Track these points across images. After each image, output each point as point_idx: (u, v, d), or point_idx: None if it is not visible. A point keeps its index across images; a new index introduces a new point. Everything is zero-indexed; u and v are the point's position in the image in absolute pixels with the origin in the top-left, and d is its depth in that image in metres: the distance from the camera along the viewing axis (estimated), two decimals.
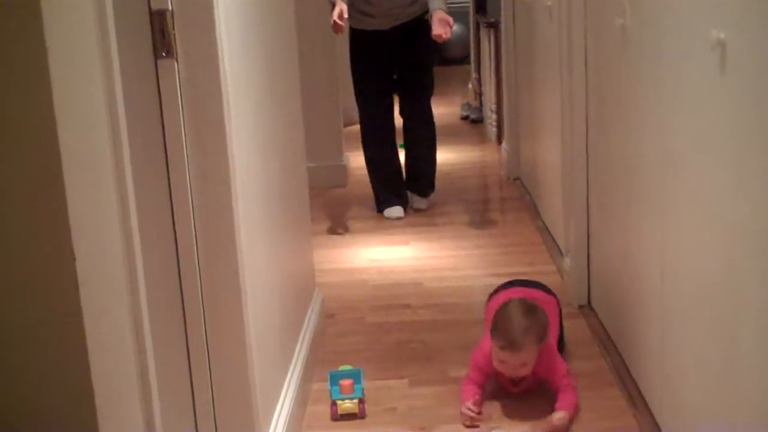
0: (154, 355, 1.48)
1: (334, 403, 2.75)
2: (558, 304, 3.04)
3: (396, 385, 2.98)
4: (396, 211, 4.95)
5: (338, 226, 4.85)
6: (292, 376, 2.71)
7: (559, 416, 2.58)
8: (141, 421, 1.32)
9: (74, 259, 1.16)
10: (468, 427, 2.62)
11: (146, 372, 1.32)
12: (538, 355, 2.66)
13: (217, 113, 1.97)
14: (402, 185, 5.07)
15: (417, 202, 5.07)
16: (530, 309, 2.70)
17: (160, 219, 1.99)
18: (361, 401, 2.75)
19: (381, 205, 5.01)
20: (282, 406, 2.51)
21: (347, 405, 2.73)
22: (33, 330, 1.31)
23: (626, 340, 2.95)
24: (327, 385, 2.82)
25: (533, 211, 4.86)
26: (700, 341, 2.12)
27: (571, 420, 2.60)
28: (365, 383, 2.84)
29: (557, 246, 4.03)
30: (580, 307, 3.52)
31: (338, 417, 2.73)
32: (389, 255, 4.41)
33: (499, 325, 2.65)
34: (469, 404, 2.64)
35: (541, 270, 3.98)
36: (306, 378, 2.85)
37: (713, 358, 2.02)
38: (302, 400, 2.76)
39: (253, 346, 2.14)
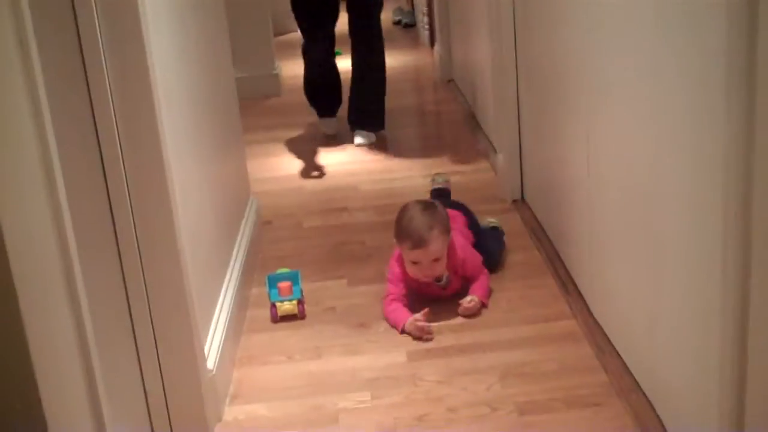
0: (83, 270, 1.46)
1: (273, 306, 2.78)
2: (465, 214, 3.06)
3: (334, 285, 3.01)
4: (330, 124, 4.83)
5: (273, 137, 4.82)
6: (229, 283, 2.72)
7: (468, 299, 2.69)
8: (72, 331, 1.32)
9: None
10: (426, 340, 2.58)
11: (74, 284, 1.31)
12: (450, 250, 2.71)
13: (132, 14, 1.92)
14: (338, 101, 4.83)
15: (359, 136, 4.68)
16: (428, 205, 2.76)
17: (83, 130, 1.96)
18: (300, 302, 2.78)
19: (320, 111, 4.84)
20: (220, 311, 2.53)
21: (287, 306, 2.76)
22: None
23: (558, 232, 3.02)
24: (266, 289, 2.85)
25: (467, 112, 4.88)
26: (626, 232, 2.17)
27: (484, 302, 2.73)
28: (304, 285, 2.87)
29: (491, 144, 4.07)
30: (514, 201, 3.58)
31: (278, 319, 2.77)
32: (325, 161, 4.41)
33: (403, 227, 2.69)
34: (418, 316, 2.62)
35: (475, 168, 4.03)
36: (244, 284, 2.87)
37: (638, 246, 2.07)
38: (241, 305, 2.79)
39: (186, 254, 2.14)
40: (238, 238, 3.06)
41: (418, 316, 2.61)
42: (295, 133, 4.91)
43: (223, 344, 2.40)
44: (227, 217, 2.94)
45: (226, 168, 3.03)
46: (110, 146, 1.99)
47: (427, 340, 2.58)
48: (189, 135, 2.42)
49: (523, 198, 3.57)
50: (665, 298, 1.93)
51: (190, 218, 2.26)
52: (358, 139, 4.63)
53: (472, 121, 4.66)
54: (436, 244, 2.64)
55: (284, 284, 2.81)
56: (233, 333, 2.58)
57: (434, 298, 2.76)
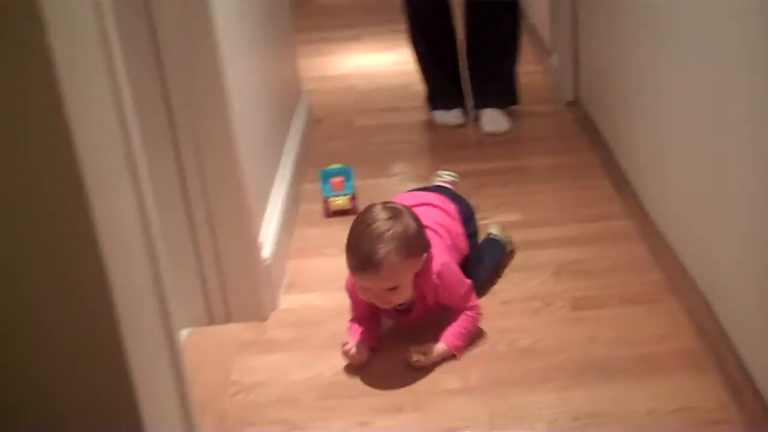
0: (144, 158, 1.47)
1: (326, 201, 2.79)
2: (462, 211, 2.32)
3: (385, 182, 3.02)
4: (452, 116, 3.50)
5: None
6: (282, 177, 2.73)
7: (417, 356, 1.99)
8: (136, 214, 1.33)
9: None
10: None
11: (136, 169, 1.32)
12: (423, 271, 2.00)
13: None
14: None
15: (490, 120, 3.43)
16: (392, 214, 1.97)
17: (138, 30, 1.96)
18: (353, 197, 2.79)
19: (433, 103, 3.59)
20: (274, 204, 2.55)
21: (339, 201, 2.78)
22: None
23: (614, 133, 2.97)
24: (318, 184, 2.86)
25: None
26: (687, 132, 2.13)
27: (453, 352, 2.01)
28: (355, 182, 2.88)
29: (544, 45, 3.99)
30: (568, 103, 3.53)
31: (331, 213, 2.78)
32: (376, 61, 4.37)
33: (350, 238, 1.97)
34: (348, 346, 2.03)
35: (526, 70, 3.97)
36: (296, 179, 2.88)
37: (700, 146, 2.03)
38: (294, 199, 2.80)
39: (241, 145, 2.15)
40: (290, 134, 3.06)
41: (348, 346, 2.02)
42: (345, 33, 4.87)
43: (278, 236, 2.42)
44: (279, 112, 2.93)
45: (278, 65, 3.01)
46: (167, 38, 1.98)
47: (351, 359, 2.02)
48: (243, 29, 2.40)
49: (577, 100, 3.52)
50: (727, 197, 1.90)
51: (244, 111, 2.26)
52: (488, 124, 3.42)
53: (525, 22, 4.57)
54: (390, 273, 1.91)
55: (337, 179, 2.81)
56: (287, 226, 2.60)
57: (393, 320, 2.15)
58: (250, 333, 2.20)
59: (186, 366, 1.49)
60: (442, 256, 2.05)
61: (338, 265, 2.06)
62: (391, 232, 1.93)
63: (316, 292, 2.36)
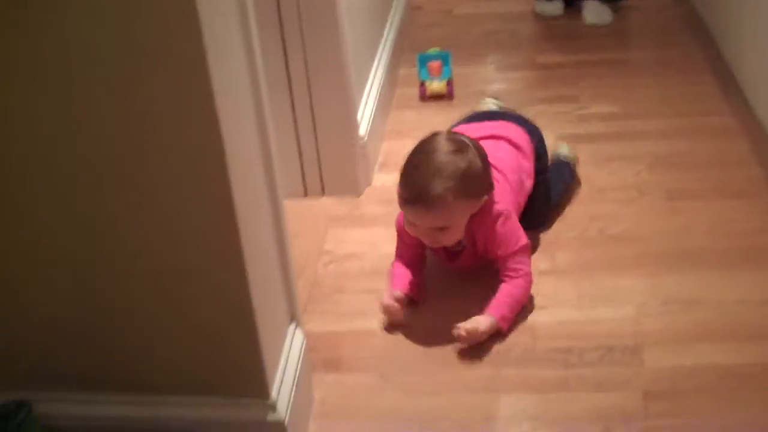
0: None
1: (422, 84, 2.79)
2: (535, 143, 2.06)
3: (483, 70, 3.00)
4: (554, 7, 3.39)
5: None
6: (380, 60, 2.73)
7: (469, 326, 1.72)
8: (249, 91, 1.37)
9: None
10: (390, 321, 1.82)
11: (248, 28, 1.35)
12: (473, 216, 1.79)
13: None
14: None
15: (592, 11, 3.29)
16: (456, 148, 1.77)
17: None
18: (449, 82, 2.78)
19: None
20: (372, 85, 2.55)
21: (435, 86, 2.77)
22: None
23: (722, 29, 2.87)
24: (415, 69, 2.85)
25: None
26: None
27: (501, 327, 1.75)
28: (453, 68, 2.86)
29: None
30: None
31: (427, 98, 2.78)
32: None
33: (405, 168, 1.79)
34: (393, 293, 1.82)
35: None
36: (394, 63, 2.88)
37: None
38: (391, 82, 2.80)
39: (344, 28, 2.15)
40: (390, 19, 3.04)
41: (393, 293, 1.82)
42: None
43: (374, 116, 2.44)
44: None
45: None
46: None
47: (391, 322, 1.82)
48: None
49: None
50: None
51: None
52: (589, 16, 3.30)
53: None
54: (443, 212, 1.73)
55: (434, 63, 2.80)
56: (383, 107, 2.61)
57: (440, 262, 1.94)
58: (343, 207, 2.24)
59: (287, 227, 1.54)
60: (505, 203, 1.83)
61: None
62: (452, 167, 1.71)
63: None
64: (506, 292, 1.78)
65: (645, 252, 1.97)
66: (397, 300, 1.80)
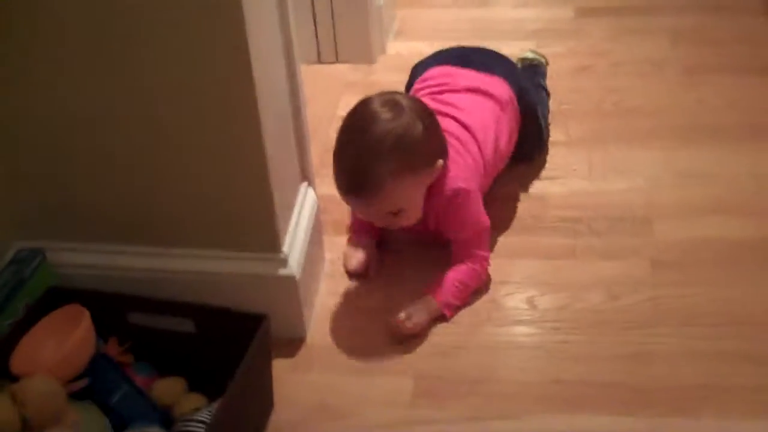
0: None
1: None
2: (518, 94, 1.76)
3: None
4: None
5: None
6: None
7: (403, 315, 1.48)
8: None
9: None
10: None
11: None
12: (436, 183, 1.53)
13: None
14: None
15: None
16: (391, 115, 1.48)
17: None
18: None
19: None
20: None
21: None
22: None
23: None
24: None
25: None
26: None
27: (445, 313, 1.52)
28: None
29: None
30: None
31: None
32: None
33: (336, 150, 1.51)
34: (350, 260, 1.64)
35: None
36: None
37: None
38: None
39: None
40: None
41: (350, 260, 1.64)
42: None
43: None
44: None
45: None
46: None
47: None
48: None
49: None
50: None
51: None
52: None
53: None
54: (389, 195, 1.46)
55: None
56: None
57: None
58: (356, 73, 2.22)
59: (303, 92, 1.52)
60: (465, 177, 1.56)
61: (450, 16, 2.04)
62: (388, 142, 1.44)
63: (425, 40, 2.33)
64: (457, 278, 1.54)
65: (660, 125, 1.95)
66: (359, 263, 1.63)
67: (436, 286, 1.53)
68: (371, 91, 2.14)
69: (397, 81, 2.16)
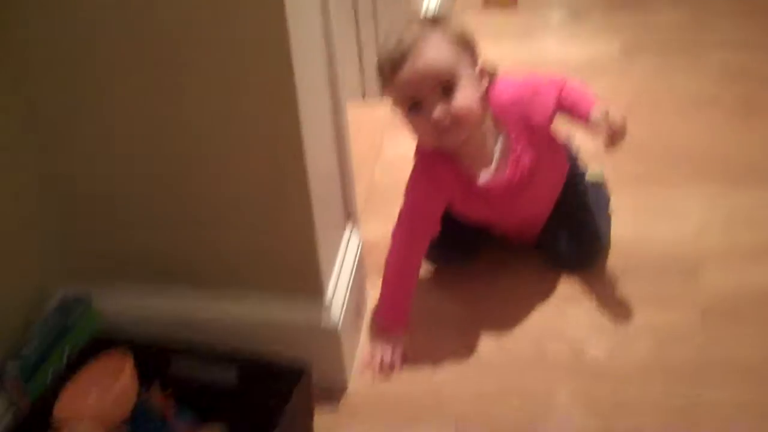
0: None
1: None
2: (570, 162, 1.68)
3: None
4: None
5: None
6: None
7: (605, 113, 1.42)
8: (318, 14, 1.33)
9: None
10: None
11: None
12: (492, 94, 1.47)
13: None
14: None
15: None
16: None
17: None
18: None
19: None
20: None
21: None
22: None
23: None
24: None
25: None
26: None
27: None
28: None
29: None
30: None
31: (490, 3, 2.72)
32: None
33: (379, 51, 1.46)
34: (393, 344, 1.53)
35: None
36: None
37: None
38: None
39: None
40: None
41: (383, 349, 1.53)
42: None
43: None
44: None
45: None
46: None
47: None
48: None
49: None
50: None
51: None
52: None
53: None
54: (437, 50, 1.39)
55: None
56: (445, 10, 2.56)
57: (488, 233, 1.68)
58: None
59: (348, 132, 1.52)
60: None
61: (494, 50, 1.98)
62: (439, 22, 1.43)
63: None
64: (581, 88, 1.52)
65: (706, 167, 1.93)
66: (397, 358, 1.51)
67: (590, 103, 1.46)
68: None
69: None
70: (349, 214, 1.57)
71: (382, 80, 1.43)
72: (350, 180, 1.56)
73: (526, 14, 2.67)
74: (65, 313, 1.37)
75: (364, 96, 2.25)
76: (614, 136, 1.41)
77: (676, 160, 1.96)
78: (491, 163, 1.50)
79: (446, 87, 1.39)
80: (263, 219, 1.34)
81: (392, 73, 1.40)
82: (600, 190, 1.79)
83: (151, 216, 1.38)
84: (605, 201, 1.77)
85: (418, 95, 1.40)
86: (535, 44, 2.50)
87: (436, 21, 1.44)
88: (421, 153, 1.54)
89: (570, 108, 1.50)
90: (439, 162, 1.51)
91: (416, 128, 1.46)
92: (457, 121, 1.41)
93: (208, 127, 1.27)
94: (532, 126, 1.49)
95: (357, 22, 2.16)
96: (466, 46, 1.44)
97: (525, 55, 2.44)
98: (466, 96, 1.40)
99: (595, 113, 1.44)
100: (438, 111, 1.39)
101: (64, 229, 1.41)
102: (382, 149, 2.07)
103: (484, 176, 1.50)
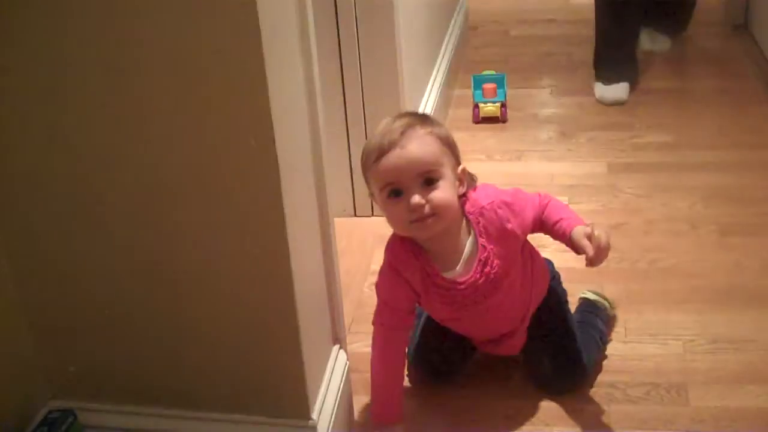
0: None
1: (476, 106, 2.78)
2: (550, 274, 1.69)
3: (538, 93, 2.99)
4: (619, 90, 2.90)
5: None
6: (435, 79, 2.73)
7: (589, 233, 1.45)
8: (303, 83, 1.37)
9: None
10: None
11: (307, 41, 1.36)
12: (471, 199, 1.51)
13: None
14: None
15: (650, 38, 3.21)
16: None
17: None
18: (503, 105, 2.77)
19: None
20: (425, 107, 2.55)
21: (489, 108, 2.76)
22: None
23: None
24: (469, 90, 2.85)
25: None
26: None
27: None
28: (507, 90, 2.85)
29: None
30: (735, 27, 3.37)
31: (480, 119, 2.77)
32: None
33: (366, 146, 1.52)
34: None
35: None
36: (448, 83, 2.88)
37: None
38: (445, 102, 2.80)
39: (400, 46, 2.16)
40: (446, 38, 3.05)
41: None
42: None
43: None
44: (438, 16, 2.92)
45: None
46: None
47: None
48: None
49: (746, 23, 3.36)
50: None
51: (406, 11, 2.26)
52: (647, 42, 3.21)
53: None
54: (420, 142, 1.43)
55: (489, 86, 2.80)
56: None
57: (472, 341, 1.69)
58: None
59: (335, 247, 1.54)
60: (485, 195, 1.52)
61: (484, 170, 2.04)
62: (420, 117, 1.51)
63: None
64: (564, 211, 1.55)
65: (695, 287, 1.94)
66: None
67: (571, 221, 1.50)
68: None
69: None
70: (336, 334, 1.57)
71: (366, 165, 1.48)
72: (338, 300, 1.57)
73: (516, 133, 2.73)
74: (51, 428, 1.36)
75: (355, 213, 2.27)
76: (598, 255, 1.43)
77: (667, 279, 1.97)
78: (458, 264, 1.51)
79: (428, 179, 1.44)
80: (248, 340, 1.35)
81: (377, 159, 1.45)
82: (594, 314, 1.80)
83: (135, 336, 1.39)
84: (598, 327, 1.77)
85: (399, 183, 1.44)
86: (524, 163, 2.54)
87: (425, 117, 1.51)
88: (390, 247, 1.57)
89: (552, 225, 1.54)
90: (406, 254, 1.53)
91: (392, 215, 1.49)
92: (434, 212, 1.44)
93: (194, 246, 1.29)
94: (506, 234, 1.51)
95: (348, 141, 2.20)
96: (451, 147, 1.49)
97: (513, 173, 2.48)
98: (446, 190, 1.45)
99: (578, 231, 1.48)
100: (417, 198, 1.42)
101: (48, 346, 1.41)
102: (372, 264, 2.09)
103: (450, 274, 1.52)
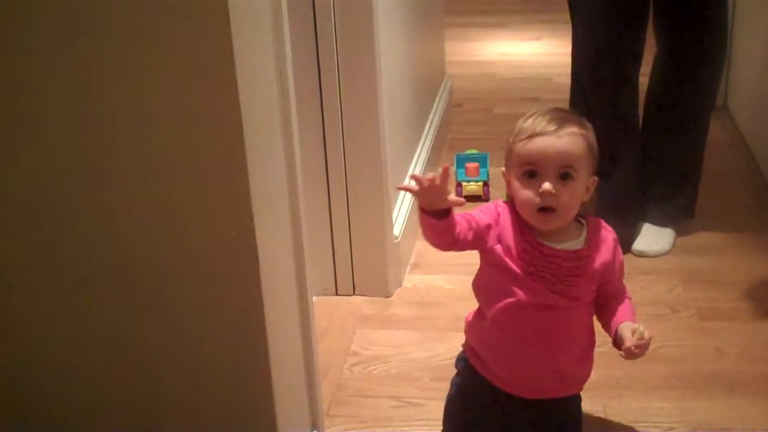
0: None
1: (459, 185, 2.81)
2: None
3: None
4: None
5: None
6: (419, 157, 2.76)
7: (636, 333, 1.50)
8: (285, 171, 1.38)
9: None
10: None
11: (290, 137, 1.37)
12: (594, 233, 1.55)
13: None
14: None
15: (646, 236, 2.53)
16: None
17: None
18: (486, 184, 2.80)
19: None
20: (409, 182, 2.57)
21: (472, 187, 2.78)
22: None
23: (762, 143, 2.88)
24: (453, 167, 2.87)
25: None
26: None
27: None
28: (491, 169, 2.87)
29: None
30: (715, 108, 3.42)
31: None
32: (520, 50, 4.35)
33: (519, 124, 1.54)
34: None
35: None
36: (432, 160, 2.90)
37: None
38: None
39: (384, 125, 2.18)
40: (431, 116, 3.08)
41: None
42: (493, 19, 4.85)
43: (409, 215, 2.45)
44: (423, 93, 2.96)
45: (426, 45, 3.03)
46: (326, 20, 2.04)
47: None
48: (399, 5, 2.43)
49: (725, 105, 3.41)
50: None
51: (390, 89, 2.29)
52: (641, 244, 2.50)
53: None
54: (572, 138, 1.48)
55: (472, 165, 2.82)
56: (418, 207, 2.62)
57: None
58: (373, 307, 2.24)
59: (315, 329, 1.54)
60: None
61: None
62: (570, 115, 1.55)
63: (441, 274, 2.38)
64: (630, 308, 1.61)
65: (676, 373, 1.94)
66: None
67: (626, 316, 1.56)
68: (387, 325, 2.17)
69: (413, 316, 2.19)
70: (314, 420, 1.56)
71: (516, 140, 1.51)
72: (316, 381, 1.56)
73: None
74: None
75: (336, 290, 2.27)
76: (638, 347, 1.49)
77: (648, 363, 1.93)
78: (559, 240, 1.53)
79: (565, 173, 1.48)
80: (224, 429, 1.33)
81: (530, 137, 1.49)
82: None
83: (112, 410, 1.37)
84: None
85: (539, 166, 1.48)
86: None
87: (583, 120, 1.55)
88: (502, 205, 1.58)
89: (609, 302, 1.59)
90: (513, 217, 1.54)
91: (519, 194, 1.50)
92: (558, 208, 1.48)
93: (166, 328, 1.28)
94: (604, 261, 1.55)
95: (331, 220, 2.21)
96: (593, 154, 1.54)
97: None
98: (575, 191, 1.49)
99: (627, 324, 1.54)
100: (548, 185, 1.46)
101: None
102: (352, 344, 2.08)
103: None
